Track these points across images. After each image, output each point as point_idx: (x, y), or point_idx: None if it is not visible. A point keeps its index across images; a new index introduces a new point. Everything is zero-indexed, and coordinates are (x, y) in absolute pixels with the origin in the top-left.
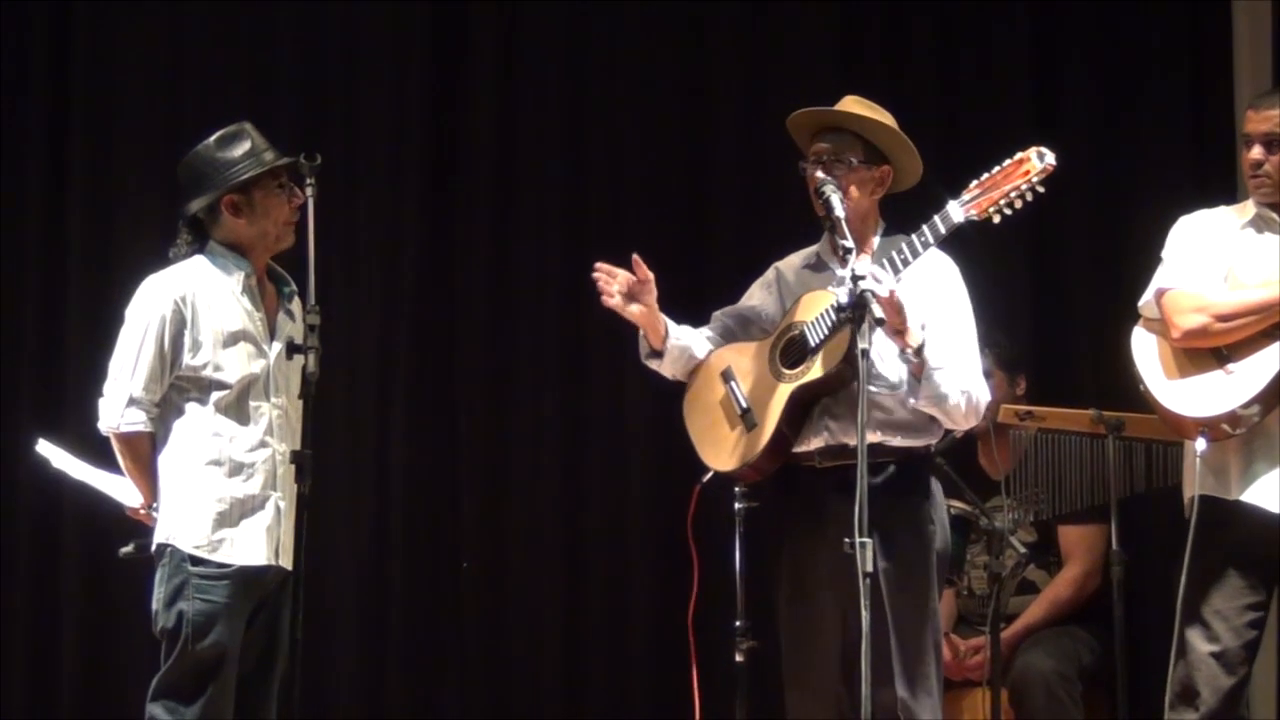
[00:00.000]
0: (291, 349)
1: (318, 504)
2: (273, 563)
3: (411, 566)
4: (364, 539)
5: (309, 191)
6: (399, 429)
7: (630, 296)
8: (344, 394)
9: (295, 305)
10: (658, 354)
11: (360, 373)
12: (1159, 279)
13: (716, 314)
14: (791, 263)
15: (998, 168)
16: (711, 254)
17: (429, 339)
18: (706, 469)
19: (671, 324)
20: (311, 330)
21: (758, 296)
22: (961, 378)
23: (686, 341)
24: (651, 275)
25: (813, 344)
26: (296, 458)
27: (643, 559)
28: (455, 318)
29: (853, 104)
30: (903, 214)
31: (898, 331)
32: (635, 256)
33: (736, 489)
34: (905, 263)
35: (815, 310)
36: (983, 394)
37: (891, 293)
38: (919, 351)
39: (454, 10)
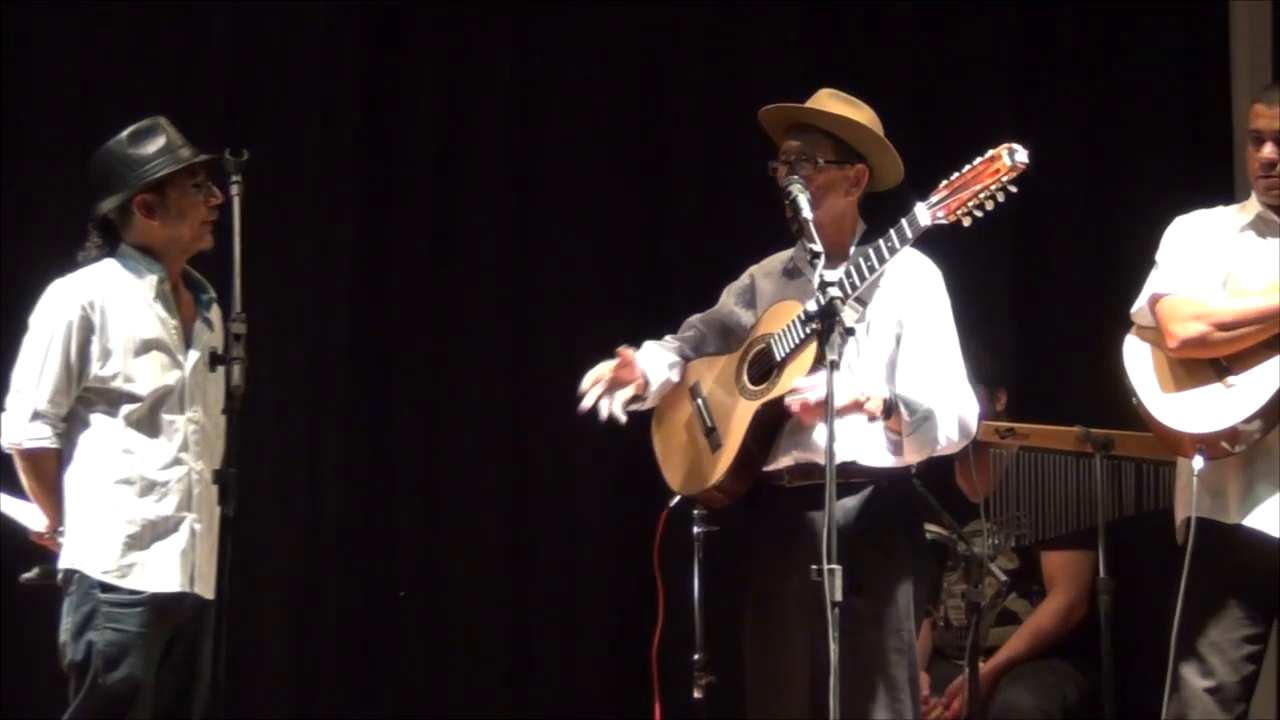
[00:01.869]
0: (215, 360)
1: (242, 527)
2: (188, 589)
3: (344, 595)
4: (293, 565)
5: (235, 190)
6: (331, 447)
7: (616, 385)
8: (271, 409)
9: (214, 313)
10: (640, 398)
11: (289, 386)
12: (1153, 284)
13: (692, 320)
14: (767, 268)
15: (968, 167)
16: (672, 258)
17: (364, 350)
18: (672, 492)
19: (648, 368)
20: (236, 340)
21: (731, 304)
22: (948, 407)
23: (665, 375)
24: (630, 353)
25: (779, 357)
26: (219, 477)
27: (597, 588)
28: (392, 327)
29: (826, 99)
30: (889, 216)
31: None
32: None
33: (695, 511)
34: (871, 269)
35: (783, 321)
36: (973, 410)
37: (812, 403)
38: (890, 413)
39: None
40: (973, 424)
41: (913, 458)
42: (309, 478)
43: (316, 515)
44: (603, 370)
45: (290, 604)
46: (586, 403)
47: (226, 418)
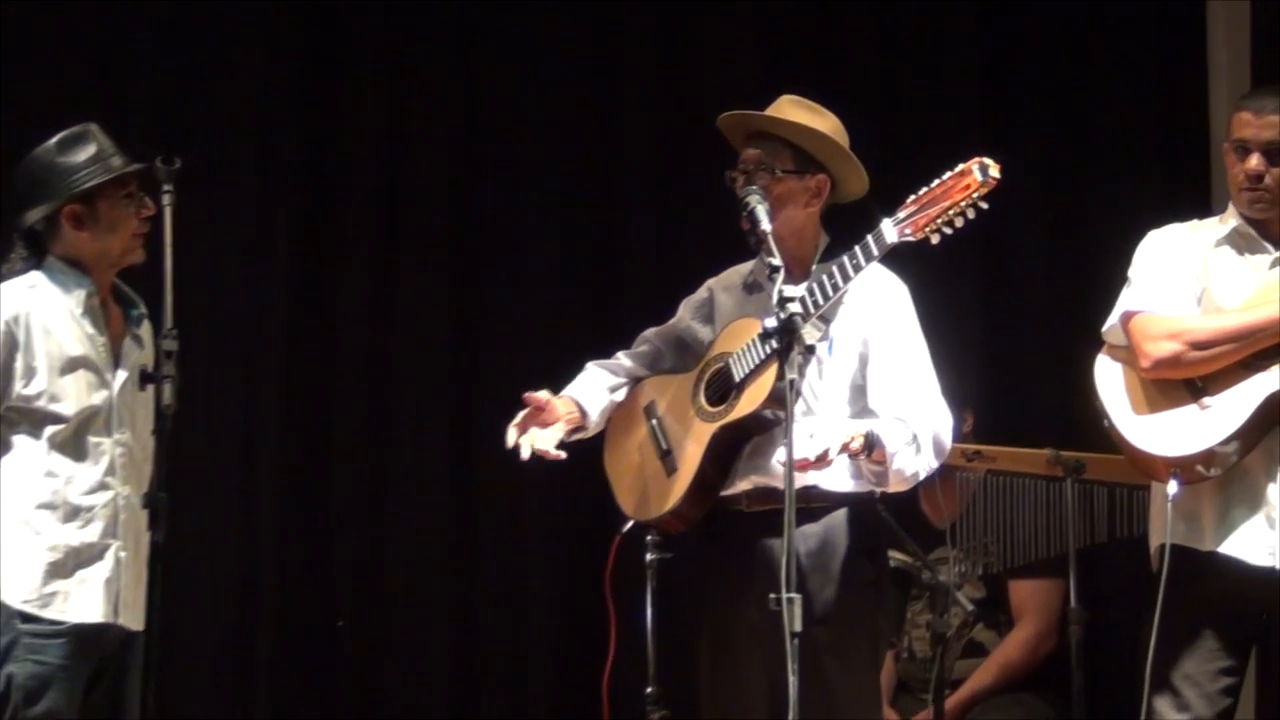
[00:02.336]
0: (144, 378)
1: (172, 554)
2: (112, 620)
3: (280, 626)
4: (225, 594)
5: (167, 200)
6: (267, 470)
7: (538, 425)
8: (204, 430)
9: (145, 330)
10: (580, 429)
11: (223, 406)
12: (1126, 301)
13: (646, 334)
14: (726, 281)
15: (936, 182)
16: (625, 270)
17: (302, 369)
18: (626, 517)
19: (581, 396)
20: (167, 357)
21: (689, 318)
22: (925, 428)
23: (605, 399)
24: (540, 396)
25: (738, 378)
26: (149, 501)
27: (546, 617)
28: (333, 344)
29: (788, 106)
30: (855, 228)
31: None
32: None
33: (649, 538)
34: (835, 287)
35: (742, 340)
36: (948, 428)
37: (816, 459)
38: (872, 448)
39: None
40: (948, 442)
41: (898, 487)
42: (243, 503)
43: (251, 542)
44: (518, 418)
45: (223, 636)
46: (509, 444)
47: (156, 439)
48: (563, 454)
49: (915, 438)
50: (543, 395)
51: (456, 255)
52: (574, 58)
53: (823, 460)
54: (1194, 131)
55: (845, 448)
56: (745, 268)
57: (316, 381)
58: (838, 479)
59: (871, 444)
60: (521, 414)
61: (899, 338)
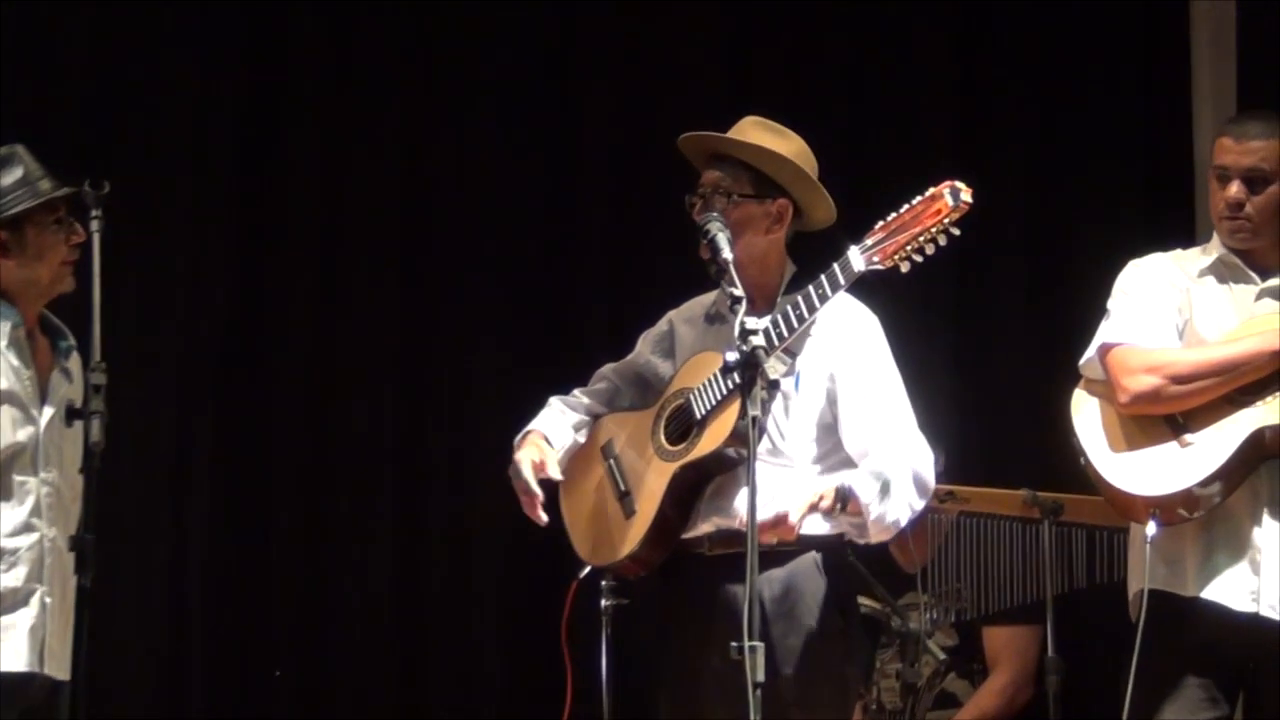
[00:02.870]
0: (71, 414)
1: (102, 600)
2: (37, 669)
3: (215, 675)
4: (158, 641)
5: (95, 225)
6: (201, 511)
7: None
8: (135, 469)
9: (74, 362)
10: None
11: (155, 443)
12: (1104, 333)
13: (603, 371)
14: (688, 313)
15: (906, 207)
16: (580, 300)
17: (239, 404)
18: (583, 562)
19: (549, 431)
20: (96, 392)
21: (648, 353)
22: (903, 470)
23: (569, 438)
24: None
25: (698, 415)
26: (76, 544)
27: (498, 667)
28: (271, 378)
29: (748, 127)
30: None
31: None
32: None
33: (603, 582)
34: (800, 318)
35: (702, 375)
36: (928, 464)
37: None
38: (845, 502)
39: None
40: (930, 479)
41: (881, 537)
42: (176, 546)
43: (184, 588)
44: (531, 487)
45: (154, 685)
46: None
47: (85, 478)
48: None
49: (890, 486)
50: (533, 455)
51: (404, 285)
52: (531, 75)
53: (781, 525)
54: (1178, 157)
55: (814, 507)
56: (708, 299)
57: (254, 418)
58: (807, 522)
59: (845, 497)
60: (532, 482)
61: (870, 372)
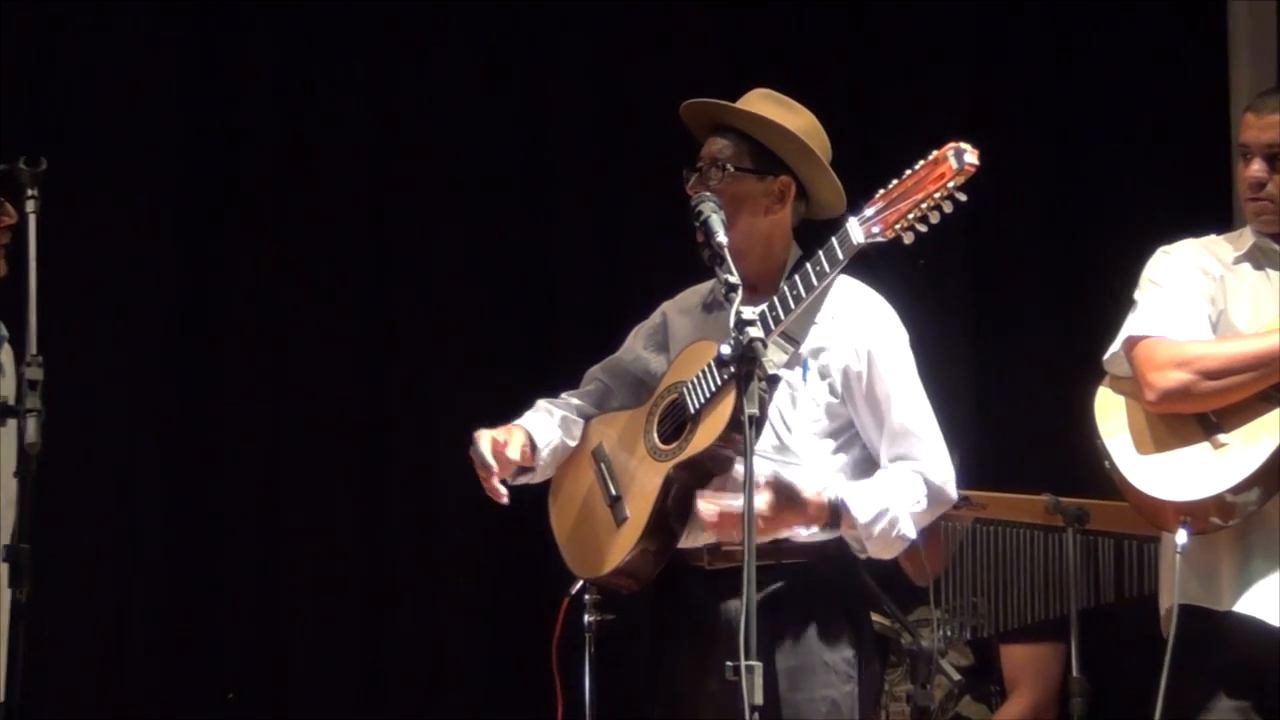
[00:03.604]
0: (4, 412)
1: (37, 614)
2: None
3: (162, 698)
4: (99, 661)
5: (30, 207)
6: (148, 518)
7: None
8: (76, 471)
9: (5, 355)
10: (528, 469)
11: (98, 444)
12: (1131, 325)
13: (592, 371)
14: (683, 304)
15: (908, 172)
16: (562, 291)
17: (189, 400)
18: (575, 577)
19: (533, 429)
20: (32, 388)
21: (639, 348)
22: (914, 483)
23: (557, 437)
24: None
25: (692, 410)
26: (9, 554)
27: (480, 689)
28: (223, 375)
29: (755, 99)
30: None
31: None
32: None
33: (587, 597)
34: (798, 299)
35: (696, 366)
36: (947, 474)
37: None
38: (837, 516)
39: None
40: (950, 491)
41: (885, 554)
42: (120, 556)
43: (129, 602)
44: (488, 462)
45: (96, 708)
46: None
47: (19, 482)
48: (505, 499)
49: (893, 496)
50: (497, 434)
51: (362, 274)
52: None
53: (715, 523)
54: (1215, 134)
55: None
56: (705, 287)
57: (205, 415)
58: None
59: (836, 510)
60: (487, 455)
61: (890, 368)
